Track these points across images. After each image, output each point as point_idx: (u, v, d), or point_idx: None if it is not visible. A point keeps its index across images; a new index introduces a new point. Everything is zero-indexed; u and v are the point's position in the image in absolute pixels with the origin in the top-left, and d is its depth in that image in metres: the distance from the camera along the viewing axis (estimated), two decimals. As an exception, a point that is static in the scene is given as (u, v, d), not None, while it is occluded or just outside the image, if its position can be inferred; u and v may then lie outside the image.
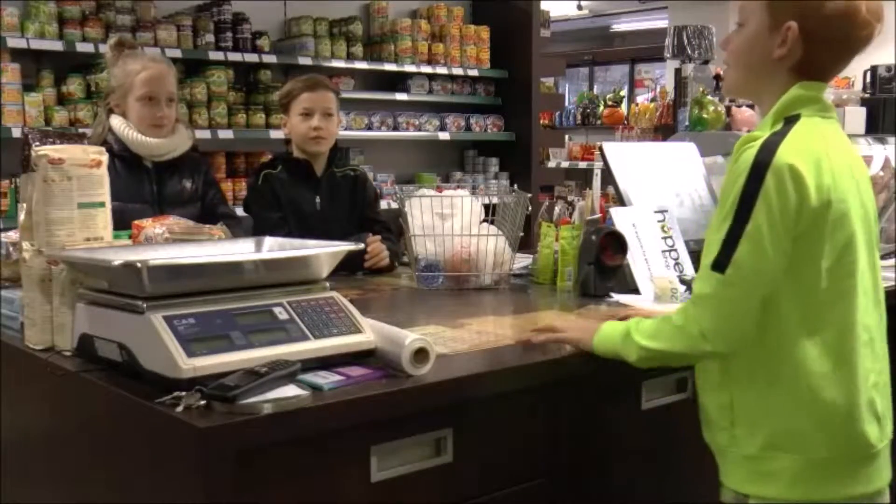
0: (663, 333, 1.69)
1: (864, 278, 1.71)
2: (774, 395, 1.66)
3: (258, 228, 3.05)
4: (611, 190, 2.91)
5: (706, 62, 5.08)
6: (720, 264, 1.62)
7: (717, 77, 5.12)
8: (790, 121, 1.69)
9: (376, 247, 2.99)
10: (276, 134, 5.10)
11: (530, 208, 3.24)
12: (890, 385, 1.77)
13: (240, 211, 3.56)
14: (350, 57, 5.54)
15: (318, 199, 3.19)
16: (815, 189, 1.61)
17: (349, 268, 2.91)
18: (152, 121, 3.01)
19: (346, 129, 5.44)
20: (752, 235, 1.60)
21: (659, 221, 2.59)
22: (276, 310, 1.64)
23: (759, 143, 1.64)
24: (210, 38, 4.97)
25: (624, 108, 11.15)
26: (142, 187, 3.01)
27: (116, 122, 3.01)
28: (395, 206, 3.18)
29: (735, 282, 1.62)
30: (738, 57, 1.79)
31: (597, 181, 2.82)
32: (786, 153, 1.61)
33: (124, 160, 2.98)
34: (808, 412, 1.65)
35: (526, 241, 2.87)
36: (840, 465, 1.68)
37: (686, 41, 5.05)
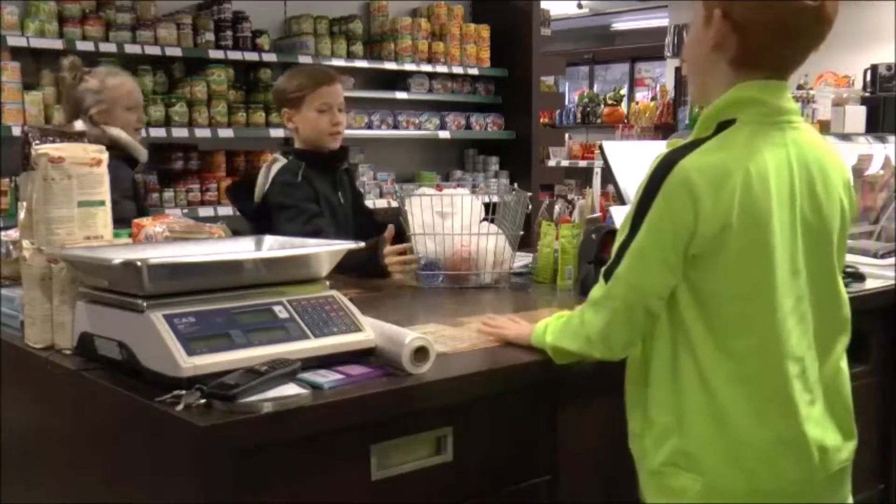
0: (566, 332, 1.70)
1: (797, 304, 1.59)
2: (684, 418, 1.59)
3: (299, 219, 2.82)
4: (611, 188, 2.91)
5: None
6: (608, 273, 1.60)
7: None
8: (723, 126, 1.57)
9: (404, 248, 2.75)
10: (276, 133, 5.10)
11: (530, 207, 3.21)
12: (842, 411, 1.67)
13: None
14: (350, 56, 5.53)
15: (339, 193, 3.13)
16: (713, 211, 1.50)
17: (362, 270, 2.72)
18: (137, 125, 3.40)
19: (346, 128, 5.43)
20: (635, 251, 1.56)
21: (659, 220, 2.58)
22: (276, 308, 1.64)
23: (667, 151, 1.56)
24: (210, 36, 4.96)
25: (624, 106, 11.16)
26: (137, 188, 3.42)
27: (116, 131, 3.27)
28: (395, 204, 3.15)
29: (615, 294, 1.59)
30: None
31: (597, 180, 2.83)
32: (687, 168, 1.51)
33: (133, 165, 3.35)
34: (716, 442, 1.57)
35: (526, 240, 2.87)
36: (755, 496, 1.58)
37: (686, 40, 5.05)
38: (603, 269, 1.63)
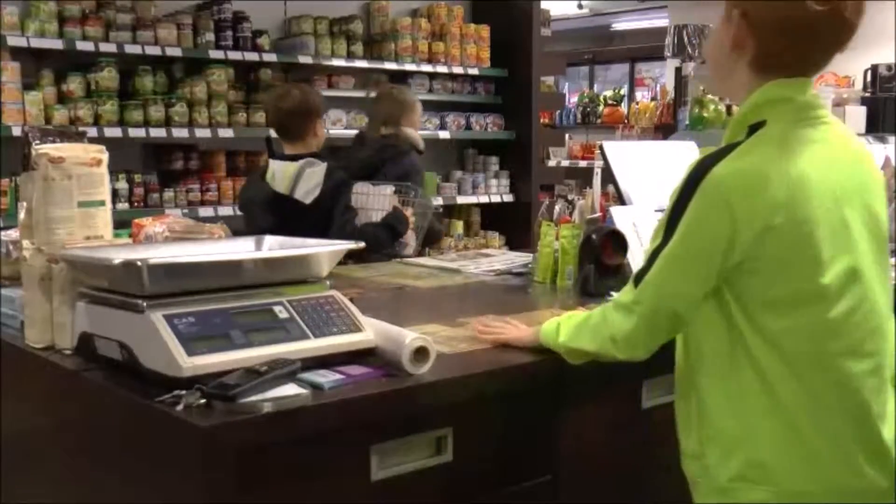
0: (582, 332, 1.70)
1: (861, 302, 1.55)
2: (751, 427, 1.55)
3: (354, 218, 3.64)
4: (611, 189, 2.91)
5: (706, 61, 5.08)
6: (638, 278, 1.60)
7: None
8: (755, 129, 1.55)
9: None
10: (275, 133, 5.09)
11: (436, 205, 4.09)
12: None
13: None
14: (350, 56, 5.53)
15: None
16: (750, 215, 1.48)
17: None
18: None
19: (346, 128, 5.45)
20: (667, 257, 1.55)
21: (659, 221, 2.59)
22: (277, 308, 1.64)
23: (700, 158, 1.55)
24: (210, 36, 4.97)
25: (624, 107, 11.16)
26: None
27: (413, 132, 4.28)
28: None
29: (643, 299, 1.58)
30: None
31: (597, 180, 2.82)
32: (720, 174, 1.50)
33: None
34: (789, 446, 1.53)
35: (526, 241, 2.87)
36: (832, 496, 1.54)
37: (686, 40, 5.05)
38: (634, 273, 1.63)
